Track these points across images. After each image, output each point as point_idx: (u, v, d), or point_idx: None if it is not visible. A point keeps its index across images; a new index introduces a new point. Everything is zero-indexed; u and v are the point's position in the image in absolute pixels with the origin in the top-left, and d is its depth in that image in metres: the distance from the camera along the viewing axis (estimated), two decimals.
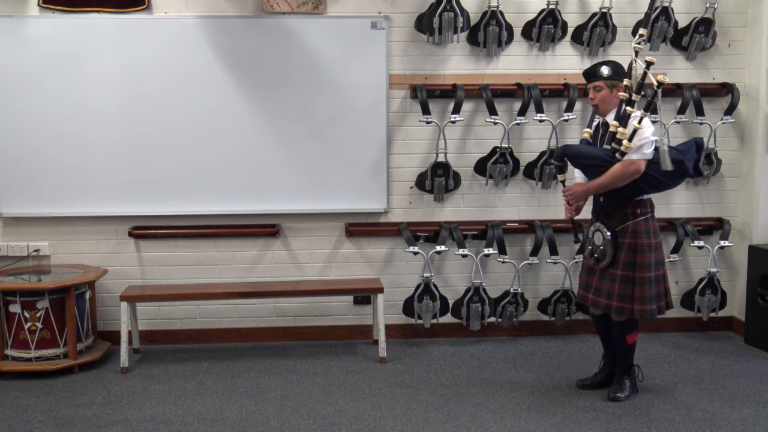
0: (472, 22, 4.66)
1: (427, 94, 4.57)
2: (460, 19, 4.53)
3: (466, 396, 3.86)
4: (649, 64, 3.51)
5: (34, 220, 4.64)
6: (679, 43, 4.80)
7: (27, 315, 4.21)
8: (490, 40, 4.65)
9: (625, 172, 3.54)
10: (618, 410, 3.65)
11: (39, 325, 4.22)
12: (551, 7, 4.63)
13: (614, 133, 3.58)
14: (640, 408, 3.69)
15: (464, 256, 4.65)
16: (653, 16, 4.64)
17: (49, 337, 4.25)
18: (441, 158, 4.65)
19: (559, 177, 3.94)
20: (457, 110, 4.55)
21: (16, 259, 4.64)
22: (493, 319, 4.77)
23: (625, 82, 3.60)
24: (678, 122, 4.75)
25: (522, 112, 4.63)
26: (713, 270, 4.78)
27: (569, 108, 4.65)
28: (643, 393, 3.89)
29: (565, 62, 4.78)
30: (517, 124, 4.67)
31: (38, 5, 4.49)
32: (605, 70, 3.67)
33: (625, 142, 3.53)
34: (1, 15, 4.47)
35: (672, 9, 4.68)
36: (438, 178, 4.68)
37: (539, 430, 3.45)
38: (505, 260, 4.69)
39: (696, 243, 4.78)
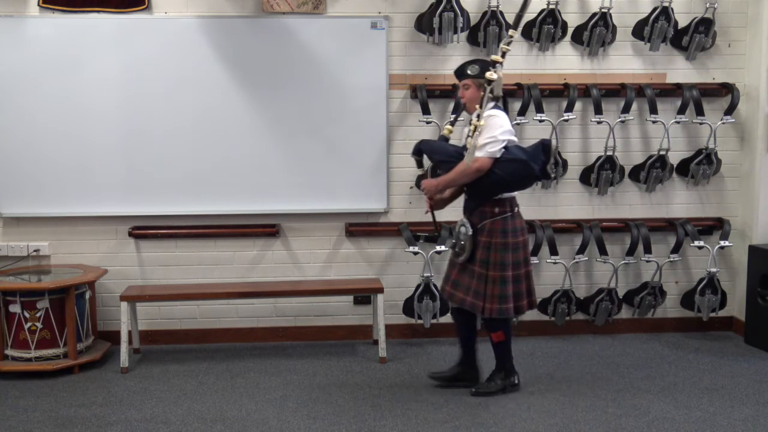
0: (472, 22, 4.65)
1: (427, 94, 4.58)
2: (460, 19, 4.53)
3: (466, 396, 3.85)
4: (495, 62, 3.60)
5: (34, 220, 4.64)
6: (679, 43, 4.79)
7: (27, 315, 4.21)
8: (490, 40, 4.65)
9: (467, 169, 3.59)
10: (618, 410, 3.65)
11: (39, 325, 4.23)
12: (551, 7, 4.63)
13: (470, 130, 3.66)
14: (640, 408, 3.69)
15: None
16: (653, 17, 4.65)
17: (49, 337, 4.25)
18: None
19: (418, 171, 4.03)
20: (457, 110, 4.55)
21: (16, 259, 4.64)
22: None
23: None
24: (678, 122, 4.75)
25: (522, 112, 4.63)
26: (713, 270, 4.77)
27: (569, 108, 4.64)
28: (643, 393, 3.89)
29: (565, 62, 4.78)
30: (517, 124, 4.66)
31: (38, 5, 4.49)
32: (472, 69, 3.71)
33: (469, 139, 3.60)
34: (1, 15, 4.47)
35: (672, 9, 4.68)
36: None
37: (539, 430, 3.45)
38: None
39: (696, 243, 4.77)
